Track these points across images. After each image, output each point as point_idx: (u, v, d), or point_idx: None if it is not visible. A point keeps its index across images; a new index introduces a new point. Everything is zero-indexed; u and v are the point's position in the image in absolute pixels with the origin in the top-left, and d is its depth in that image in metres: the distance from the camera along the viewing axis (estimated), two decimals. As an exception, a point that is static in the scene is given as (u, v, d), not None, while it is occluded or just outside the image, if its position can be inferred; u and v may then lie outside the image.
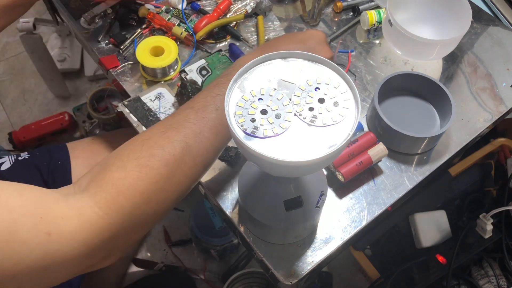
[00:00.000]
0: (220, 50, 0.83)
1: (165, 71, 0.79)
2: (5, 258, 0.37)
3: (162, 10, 0.87)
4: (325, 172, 0.70)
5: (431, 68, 0.84)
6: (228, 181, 0.69)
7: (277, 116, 0.45)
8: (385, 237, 1.09)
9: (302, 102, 0.46)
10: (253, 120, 0.45)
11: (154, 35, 0.85)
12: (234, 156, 0.70)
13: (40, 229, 0.39)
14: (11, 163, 0.74)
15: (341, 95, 0.46)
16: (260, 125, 0.44)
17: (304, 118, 0.45)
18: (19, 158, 0.75)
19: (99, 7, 0.87)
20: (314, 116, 0.45)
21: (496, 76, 0.83)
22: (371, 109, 0.74)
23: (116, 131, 0.85)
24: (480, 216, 0.93)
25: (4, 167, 0.73)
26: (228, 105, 0.45)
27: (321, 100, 0.46)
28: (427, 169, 0.72)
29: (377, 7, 0.90)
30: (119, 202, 0.44)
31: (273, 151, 0.43)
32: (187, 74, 0.79)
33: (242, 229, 0.65)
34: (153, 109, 0.75)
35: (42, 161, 0.75)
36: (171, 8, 0.87)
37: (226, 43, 0.85)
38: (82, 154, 0.79)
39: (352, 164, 0.67)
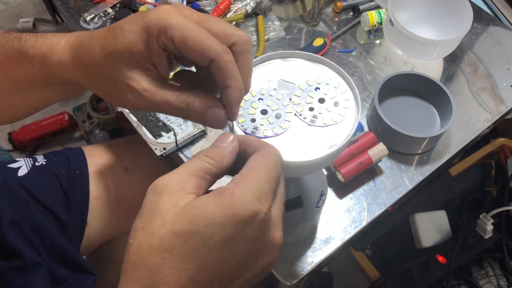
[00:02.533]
0: (220, 50, 0.83)
1: (165, 71, 0.79)
2: None
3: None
4: (325, 172, 0.70)
5: (431, 68, 0.84)
6: (228, 181, 0.69)
7: (277, 116, 0.45)
8: (385, 237, 1.09)
9: (302, 102, 0.46)
10: (253, 120, 0.45)
11: (154, 35, 0.84)
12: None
13: None
14: (28, 168, 0.70)
15: (341, 95, 0.46)
16: (260, 125, 0.44)
17: (304, 118, 0.45)
18: (36, 164, 0.72)
19: (99, 6, 0.87)
20: (314, 116, 0.45)
21: (496, 76, 0.83)
22: (371, 109, 0.74)
23: (133, 136, 0.81)
24: (480, 216, 0.93)
25: (21, 173, 0.69)
26: (228, 105, 0.45)
27: (321, 100, 0.46)
28: (427, 169, 0.72)
29: (377, 7, 0.90)
30: None
31: (273, 151, 0.43)
32: (187, 74, 0.79)
33: (242, 229, 0.65)
34: (153, 109, 0.75)
35: (60, 169, 0.72)
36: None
37: (226, 43, 0.85)
38: (100, 162, 0.76)
39: (352, 164, 0.67)
